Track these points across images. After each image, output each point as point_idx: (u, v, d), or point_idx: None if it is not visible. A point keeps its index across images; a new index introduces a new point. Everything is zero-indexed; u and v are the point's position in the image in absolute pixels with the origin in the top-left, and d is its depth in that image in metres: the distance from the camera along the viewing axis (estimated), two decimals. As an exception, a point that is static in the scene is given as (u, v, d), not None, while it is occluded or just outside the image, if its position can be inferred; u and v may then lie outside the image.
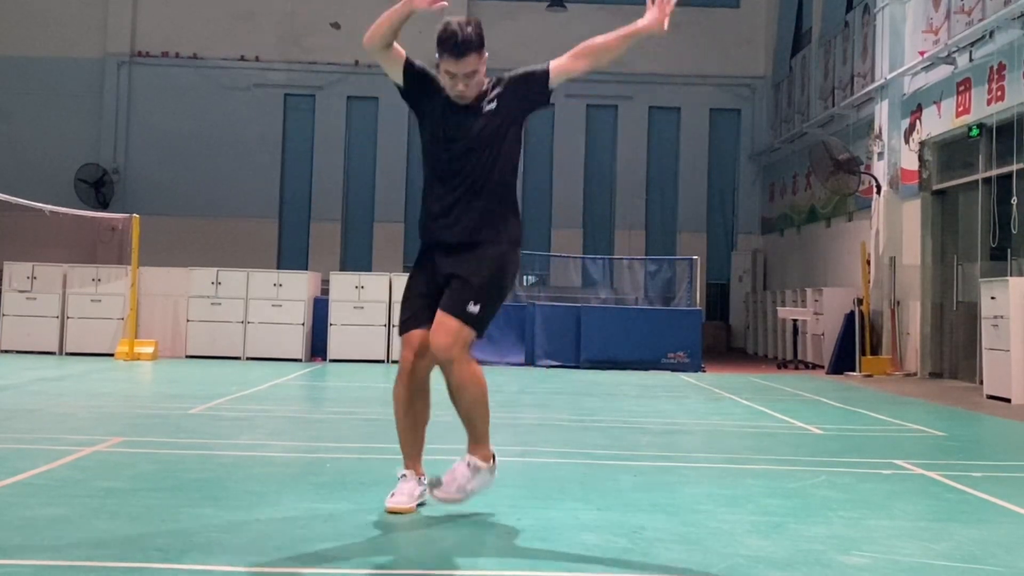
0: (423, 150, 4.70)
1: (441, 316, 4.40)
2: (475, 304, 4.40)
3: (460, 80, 4.43)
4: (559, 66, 4.55)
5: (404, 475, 4.71)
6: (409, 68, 4.66)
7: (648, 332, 16.52)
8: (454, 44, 4.39)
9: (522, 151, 4.80)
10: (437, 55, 4.45)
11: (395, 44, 4.68)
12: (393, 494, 4.66)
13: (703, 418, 9.57)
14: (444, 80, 4.49)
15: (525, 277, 20.29)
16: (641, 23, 4.57)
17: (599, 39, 4.62)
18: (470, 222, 4.50)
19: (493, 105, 4.51)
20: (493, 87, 4.55)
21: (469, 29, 4.41)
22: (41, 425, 7.61)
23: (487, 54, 4.48)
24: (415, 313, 4.59)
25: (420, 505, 4.70)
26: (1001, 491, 5.61)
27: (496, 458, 4.63)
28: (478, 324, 4.41)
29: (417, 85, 4.64)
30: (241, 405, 9.51)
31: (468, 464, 4.52)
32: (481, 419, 4.51)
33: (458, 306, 4.39)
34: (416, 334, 4.55)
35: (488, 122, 4.50)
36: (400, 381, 4.62)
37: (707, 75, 25.59)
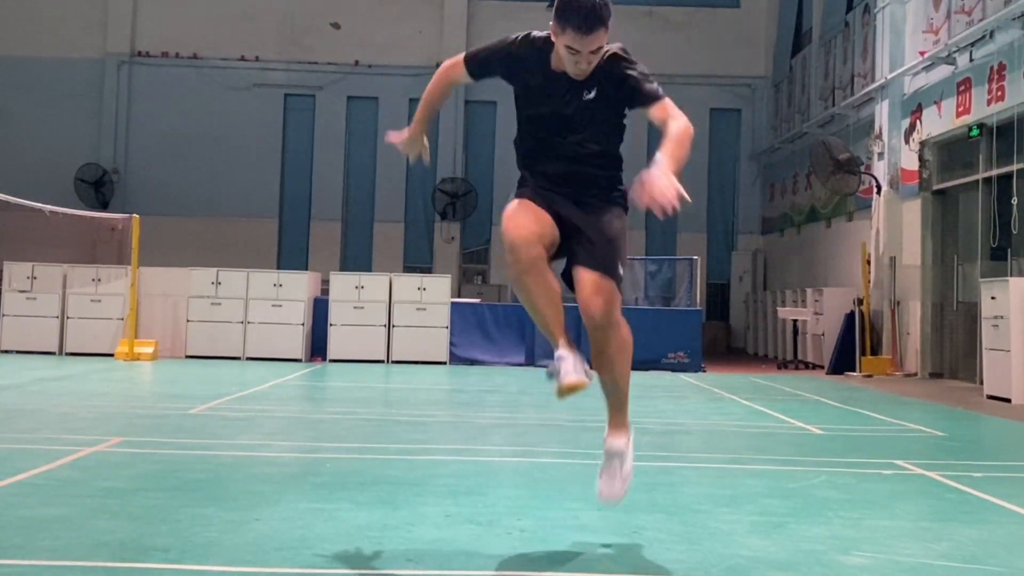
0: (519, 110, 4.29)
1: (591, 275, 3.99)
2: (621, 266, 4.07)
3: (584, 58, 3.95)
4: (660, 110, 4.07)
5: (562, 356, 4.05)
6: (478, 70, 4.26)
7: (648, 332, 16.47)
8: (583, 18, 3.87)
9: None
10: (556, 23, 3.95)
11: (448, 82, 4.36)
12: (564, 373, 4.00)
13: (703, 418, 9.56)
14: (562, 53, 3.98)
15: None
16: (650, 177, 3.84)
17: (680, 147, 3.92)
18: (586, 183, 4.15)
19: (592, 95, 4.09)
20: (607, 61, 4.07)
21: (600, 3, 3.89)
22: (41, 425, 7.60)
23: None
24: (539, 199, 4.11)
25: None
26: (1001, 491, 5.60)
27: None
28: (621, 288, 4.08)
29: (492, 70, 4.26)
30: (241, 405, 9.51)
31: (618, 449, 4.12)
32: (627, 385, 4.22)
33: (609, 265, 4.01)
34: (533, 209, 4.06)
35: (589, 105, 4.10)
36: (519, 262, 4.00)
37: (707, 75, 25.57)
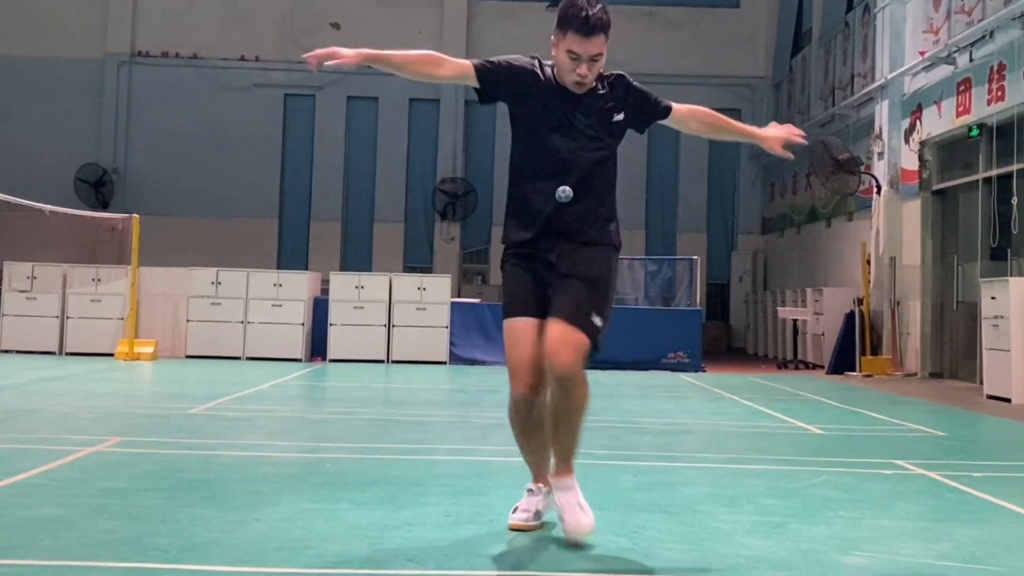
0: (522, 142, 4.24)
1: (560, 326, 4.00)
2: (598, 316, 4.05)
3: (584, 62, 4.04)
4: (677, 113, 4.39)
5: (529, 488, 4.38)
6: (486, 75, 4.19)
7: (648, 332, 16.51)
8: (584, 21, 3.98)
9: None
10: (557, 31, 4.06)
11: (445, 64, 4.20)
12: (516, 508, 4.34)
13: (703, 418, 9.56)
14: (562, 60, 4.07)
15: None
16: (763, 132, 4.50)
17: (722, 117, 4.50)
18: (586, 215, 4.16)
19: (612, 103, 4.22)
20: (611, 81, 4.25)
21: (599, 8, 4.03)
22: (41, 425, 7.60)
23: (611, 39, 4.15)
24: (522, 330, 4.15)
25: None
26: (1001, 491, 5.60)
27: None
28: (599, 339, 4.07)
29: (505, 86, 4.21)
30: (241, 405, 9.51)
31: (569, 485, 4.14)
32: (578, 438, 4.20)
33: (582, 317, 4.01)
34: (527, 354, 4.12)
35: (610, 115, 4.21)
36: (518, 412, 4.22)
37: (707, 75, 25.57)
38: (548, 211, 4.15)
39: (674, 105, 4.41)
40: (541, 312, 4.15)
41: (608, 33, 4.07)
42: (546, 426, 4.17)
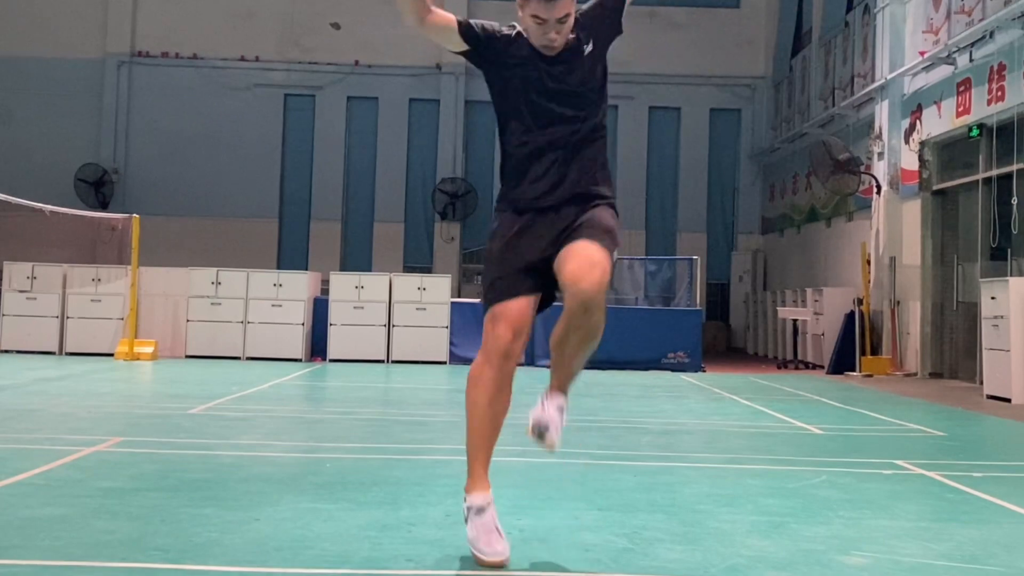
0: (507, 112, 4.03)
1: (589, 244, 3.79)
2: (613, 245, 3.85)
3: (551, 27, 3.81)
4: None
5: (482, 507, 3.92)
6: (467, 32, 3.95)
7: (648, 332, 16.50)
8: None
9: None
10: None
11: (435, 11, 3.93)
12: (486, 542, 3.83)
13: (703, 418, 9.56)
14: (529, 27, 3.87)
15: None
16: None
17: None
18: (584, 176, 3.98)
19: (590, 46, 3.95)
20: (577, 27, 3.97)
21: None
22: (41, 425, 7.60)
23: None
24: (512, 283, 3.92)
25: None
26: (1001, 491, 5.60)
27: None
28: (613, 269, 3.87)
29: (483, 48, 3.98)
30: (241, 405, 9.51)
31: (558, 406, 4.04)
32: (578, 368, 4.05)
33: (606, 240, 3.82)
34: (515, 306, 3.90)
35: (591, 65, 3.99)
36: (490, 364, 3.97)
37: (707, 75, 25.58)
38: (539, 181, 3.97)
39: None
40: (536, 288, 4.02)
41: None
42: (552, 350, 4.03)
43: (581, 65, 3.96)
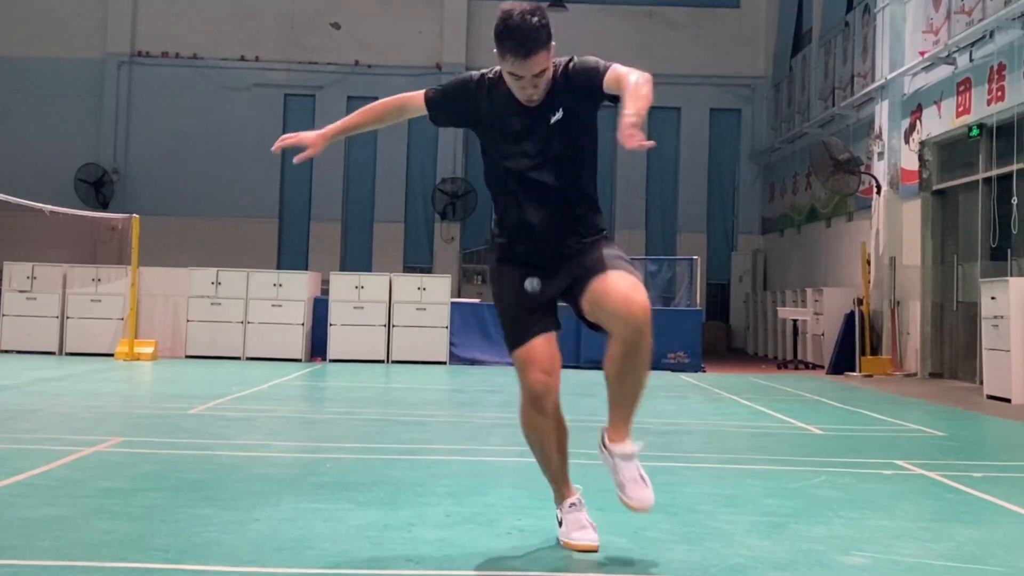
0: (486, 162, 4.09)
1: (620, 275, 3.78)
2: (635, 271, 3.84)
3: (528, 83, 3.79)
4: (613, 77, 3.79)
5: (573, 504, 4.08)
6: (434, 106, 4.08)
7: (648, 332, 16.49)
8: (519, 43, 3.69)
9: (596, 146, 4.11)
10: (497, 48, 3.78)
11: (408, 98, 4.14)
12: (573, 531, 4.01)
13: (703, 418, 9.56)
14: (509, 81, 3.84)
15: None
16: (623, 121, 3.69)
17: (637, 88, 3.70)
18: (575, 219, 3.96)
19: (559, 115, 3.89)
20: (555, 79, 3.87)
21: (535, 20, 3.69)
22: (41, 425, 7.60)
23: (554, 44, 3.81)
24: (528, 325, 3.94)
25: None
26: (1001, 491, 5.60)
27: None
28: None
29: (454, 114, 4.10)
30: (241, 405, 9.51)
31: (632, 452, 3.92)
32: (641, 396, 3.91)
33: (626, 267, 3.82)
34: (538, 346, 3.93)
35: (559, 133, 3.91)
36: (537, 409, 3.93)
37: (707, 75, 25.57)
38: (529, 239, 3.98)
39: (611, 73, 3.80)
40: (553, 324, 4.04)
41: (549, 44, 3.76)
42: (610, 384, 3.91)
43: (546, 126, 3.89)
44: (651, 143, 3.56)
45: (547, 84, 3.85)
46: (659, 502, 5.10)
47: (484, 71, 4.04)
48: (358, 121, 4.19)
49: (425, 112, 4.10)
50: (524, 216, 3.96)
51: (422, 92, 4.12)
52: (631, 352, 3.76)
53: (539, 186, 3.93)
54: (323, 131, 4.11)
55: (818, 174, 17.55)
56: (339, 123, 4.15)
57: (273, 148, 4.12)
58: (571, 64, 3.89)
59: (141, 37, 25.42)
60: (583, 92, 3.86)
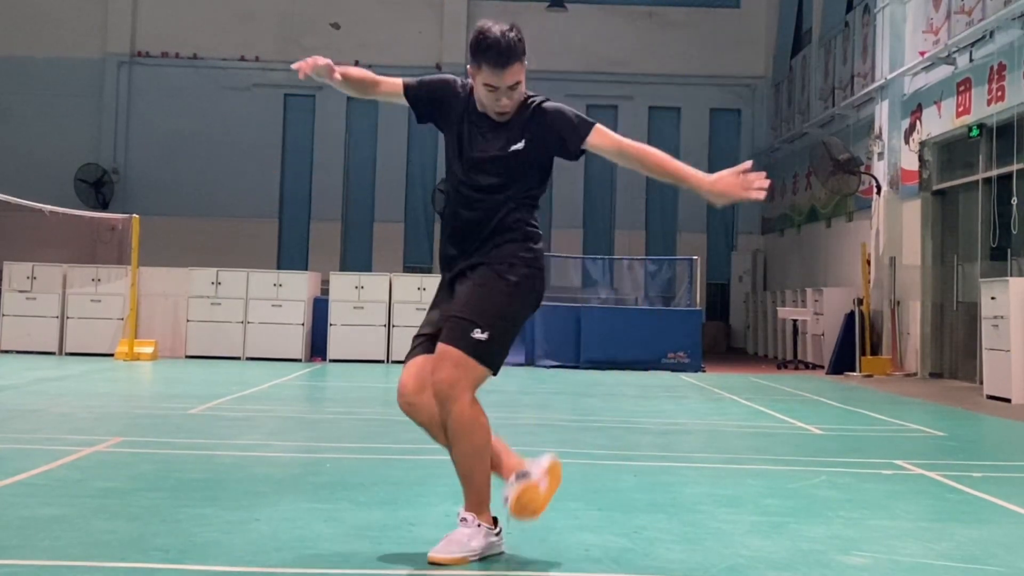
0: (446, 160, 4.20)
1: (442, 348, 3.80)
2: (481, 331, 3.77)
3: (502, 94, 3.88)
4: (600, 142, 3.96)
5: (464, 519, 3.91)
6: (412, 95, 4.16)
7: (648, 332, 16.51)
8: (496, 54, 3.81)
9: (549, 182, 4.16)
10: (472, 63, 3.92)
11: (382, 81, 4.19)
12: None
13: (703, 418, 9.57)
14: (481, 92, 3.92)
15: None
16: (706, 180, 4.15)
17: (657, 155, 4.03)
18: (482, 246, 3.97)
19: (520, 145, 3.94)
20: (527, 110, 3.97)
21: (511, 35, 3.84)
22: (41, 425, 7.60)
23: (527, 62, 3.95)
24: (421, 342, 4.00)
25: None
26: (1001, 491, 5.60)
27: (501, 527, 3.91)
28: (487, 356, 3.79)
29: (428, 107, 4.18)
30: (241, 405, 9.51)
31: (466, 520, 3.85)
32: (480, 475, 3.83)
33: (458, 334, 3.78)
34: (415, 362, 3.95)
35: (514, 157, 3.97)
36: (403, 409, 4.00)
37: (707, 75, 25.58)
38: (446, 235, 4.09)
39: (597, 131, 3.97)
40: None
41: (523, 57, 3.88)
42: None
43: (501, 148, 3.96)
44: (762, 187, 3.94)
45: (518, 103, 3.95)
46: (659, 502, 5.11)
47: (465, 79, 4.13)
48: (362, 83, 4.16)
49: (399, 95, 4.17)
50: (453, 220, 4.05)
51: (401, 80, 4.20)
52: (442, 421, 3.82)
53: (470, 199, 3.99)
54: (338, 72, 4.06)
55: (818, 174, 17.55)
56: (352, 73, 4.14)
57: (300, 73, 4.04)
58: (546, 104, 3.99)
59: (141, 37, 25.42)
60: (548, 140, 3.97)
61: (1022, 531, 4.71)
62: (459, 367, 3.74)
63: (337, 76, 4.05)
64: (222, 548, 3.94)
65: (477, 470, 3.83)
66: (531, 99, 4.00)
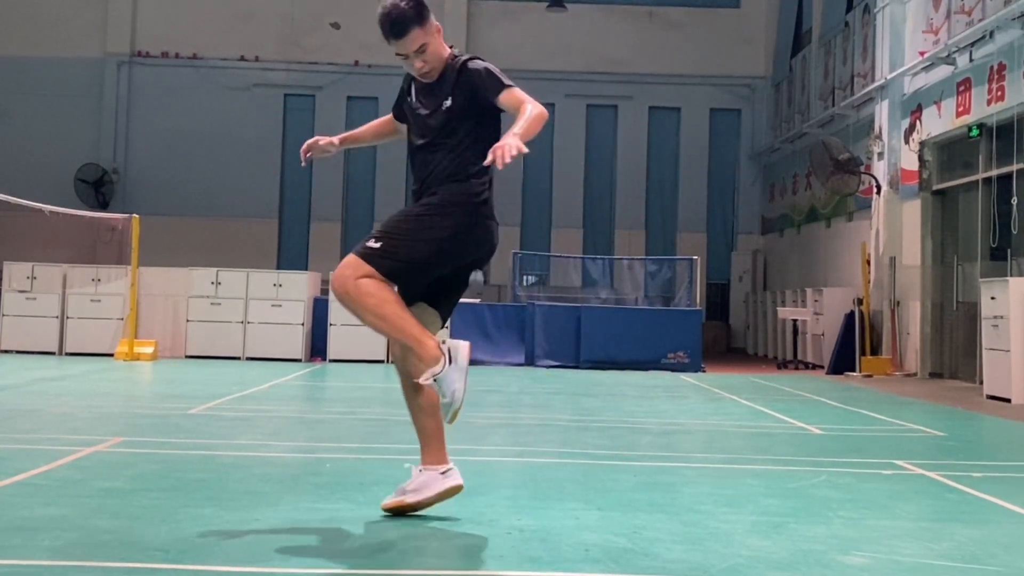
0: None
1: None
2: (376, 241, 4.20)
3: (413, 58, 4.30)
4: (507, 102, 4.26)
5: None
6: (395, 111, 4.78)
7: (648, 332, 16.51)
8: (389, 25, 4.24)
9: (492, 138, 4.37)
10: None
11: (381, 120, 4.97)
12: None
13: (703, 418, 9.56)
14: (403, 65, 4.41)
15: (525, 277, 20.28)
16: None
17: (520, 115, 4.18)
18: (431, 191, 4.38)
19: (449, 101, 4.34)
20: (455, 70, 4.36)
21: (403, 4, 4.22)
22: (41, 425, 7.61)
23: (435, 23, 4.30)
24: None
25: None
26: (1001, 491, 5.60)
27: (446, 347, 4.19)
28: (376, 259, 4.14)
29: (398, 108, 4.75)
30: (241, 405, 9.51)
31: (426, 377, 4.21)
32: (398, 330, 4.17)
33: (360, 244, 4.24)
34: None
35: (444, 117, 4.37)
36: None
37: (707, 75, 25.58)
38: (412, 194, 4.53)
39: (506, 95, 4.26)
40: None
41: (420, 21, 4.23)
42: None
43: (433, 113, 4.41)
44: (515, 152, 3.89)
45: (440, 64, 4.36)
46: (659, 502, 5.11)
47: None
48: (366, 136, 4.94)
49: (392, 119, 4.84)
50: (414, 180, 4.51)
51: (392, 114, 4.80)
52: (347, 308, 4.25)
53: (423, 155, 4.43)
54: (340, 139, 4.83)
55: (818, 174, 17.55)
56: (354, 134, 4.89)
57: (303, 162, 4.73)
58: (469, 63, 4.37)
59: (141, 37, 25.41)
60: (471, 94, 4.33)
61: (1022, 531, 4.71)
62: (348, 266, 4.16)
63: (336, 141, 4.71)
64: (222, 548, 3.94)
65: (394, 330, 4.19)
66: (457, 59, 4.39)
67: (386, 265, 4.16)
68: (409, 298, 4.30)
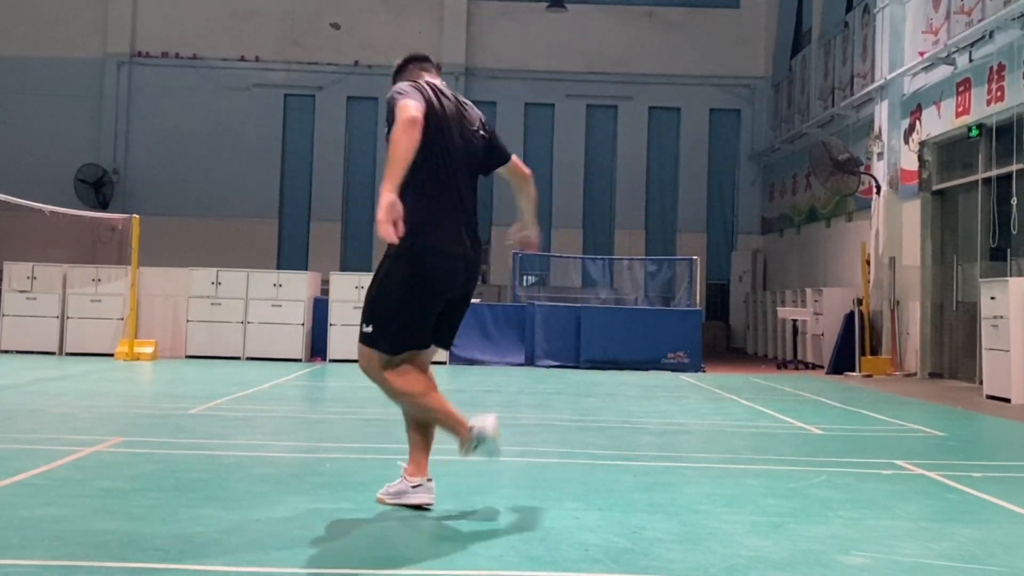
0: None
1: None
2: (366, 325, 4.52)
3: None
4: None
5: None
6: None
7: (648, 332, 16.51)
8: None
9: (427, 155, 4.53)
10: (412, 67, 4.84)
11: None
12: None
13: (703, 418, 9.56)
14: None
15: (525, 277, 20.28)
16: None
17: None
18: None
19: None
20: None
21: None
22: (41, 425, 7.60)
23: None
24: None
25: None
26: (1001, 491, 5.61)
27: (476, 427, 4.64)
28: (379, 343, 4.49)
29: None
30: (241, 405, 9.51)
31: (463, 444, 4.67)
32: (438, 420, 4.68)
33: (360, 329, 4.57)
34: None
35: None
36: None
37: (707, 75, 25.59)
38: None
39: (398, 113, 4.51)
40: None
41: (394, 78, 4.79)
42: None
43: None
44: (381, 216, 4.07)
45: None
46: (659, 502, 5.11)
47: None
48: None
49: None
50: None
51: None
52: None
53: None
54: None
55: (818, 174, 17.55)
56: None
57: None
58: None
59: (141, 37, 25.42)
60: (388, 128, 4.56)
61: (1022, 531, 4.71)
62: (362, 356, 4.57)
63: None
64: (222, 548, 3.94)
65: (431, 415, 4.64)
66: None
67: (387, 343, 4.50)
68: (423, 344, 4.62)
